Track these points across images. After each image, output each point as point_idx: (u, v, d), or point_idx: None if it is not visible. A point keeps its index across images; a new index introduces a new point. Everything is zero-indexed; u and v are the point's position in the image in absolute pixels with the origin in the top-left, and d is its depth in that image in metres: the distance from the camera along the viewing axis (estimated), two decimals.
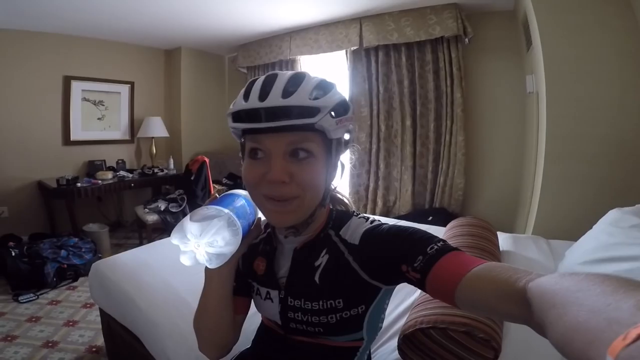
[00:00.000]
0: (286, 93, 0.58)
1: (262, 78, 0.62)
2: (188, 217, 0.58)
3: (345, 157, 0.72)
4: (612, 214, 1.29)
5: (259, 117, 0.58)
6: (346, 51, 3.53)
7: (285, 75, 0.61)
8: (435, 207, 3.28)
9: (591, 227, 1.41)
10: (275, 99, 0.57)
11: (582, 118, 2.03)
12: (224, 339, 0.75)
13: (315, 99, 0.58)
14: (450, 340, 0.85)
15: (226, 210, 0.61)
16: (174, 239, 0.58)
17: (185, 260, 0.60)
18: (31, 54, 3.37)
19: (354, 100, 3.50)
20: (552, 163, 2.12)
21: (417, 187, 3.38)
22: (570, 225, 1.71)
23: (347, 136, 0.67)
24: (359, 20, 3.34)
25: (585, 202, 1.99)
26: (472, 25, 2.95)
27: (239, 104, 0.61)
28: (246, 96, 0.60)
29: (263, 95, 0.58)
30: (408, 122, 3.30)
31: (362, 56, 3.47)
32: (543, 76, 2.09)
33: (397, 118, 3.36)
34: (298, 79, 0.60)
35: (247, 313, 0.80)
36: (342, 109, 0.62)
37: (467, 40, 2.99)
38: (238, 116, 0.61)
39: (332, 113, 0.60)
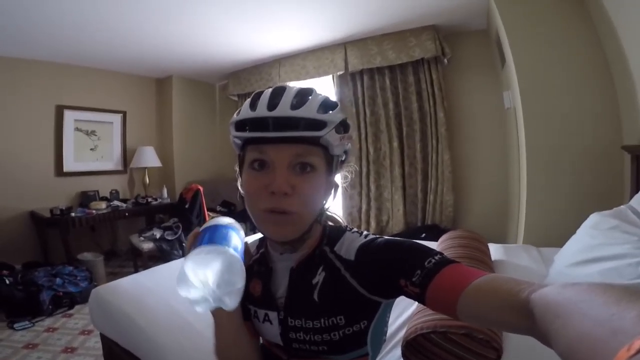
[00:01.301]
0: (295, 105, 0.59)
1: (270, 89, 0.62)
2: (186, 263, 0.54)
3: (341, 176, 0.73)
4: (593, 218, 1.37)
5: (267, 126, 0.58)
6: (333, 76, 3.67)
7: (293, 88, 0.62)
8: (427, 224, 3.35)
9: (574, 234, 1.48)
10: (284, 109, 0.58)
11: (559, 129, 2.15)
12: None
13: (323, 113, 0.60)
14: (452, 343, 0.88)
15: (225, 248, 0.57)
16: (181, 291, 0.54)
17: (202, 308, 0.56)
18: (24, 81, 3.39)
19: None
20: (534, 174, 2.22)
21: (408, 206, 3.45)
22: (557, 232, 1.76)
23: (344, 155, 0.68)
24: (343, 45, 3.49)
25: (570, 210, 2.06)
26: (450, 45, 3.11)
27: (244, 113, 0.61)
28: (253, 106, 0.61)
29: (272, 106, 0.59)
30: (395, 144, 3.41)
31: (349, 80, 3.60)
32: (518, 91, 2.22)
33: (384, 140, 3.46)
34: (306, 93, 0.61)
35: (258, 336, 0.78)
36: (344, 126, 0.63)
37: (446, 60, 3.15)
38: (242, 125, 0.61)
39: (338, 129, 0.61)
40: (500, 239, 2.69)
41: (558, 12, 2.16)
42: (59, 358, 2.09)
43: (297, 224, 0.62)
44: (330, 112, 0.61)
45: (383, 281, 0.60)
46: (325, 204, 0.67)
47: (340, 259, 0.66)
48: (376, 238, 0.66)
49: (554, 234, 1.99)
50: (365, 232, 0.70)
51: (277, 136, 0.58)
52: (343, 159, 0.68)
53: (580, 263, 1.20)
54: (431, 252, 0.57)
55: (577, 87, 2.14)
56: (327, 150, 0.62)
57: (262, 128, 0.59)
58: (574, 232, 1.48)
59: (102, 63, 3.80)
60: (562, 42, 2.16)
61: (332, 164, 0.65)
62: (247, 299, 0.73)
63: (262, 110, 0.59)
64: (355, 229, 0.72)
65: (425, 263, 0.54)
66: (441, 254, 0.57)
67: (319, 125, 0.59)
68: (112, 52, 3.47)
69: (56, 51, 3.31)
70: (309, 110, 0.59)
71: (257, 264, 0.75)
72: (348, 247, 0.67)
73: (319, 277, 0.66)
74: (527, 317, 0.39)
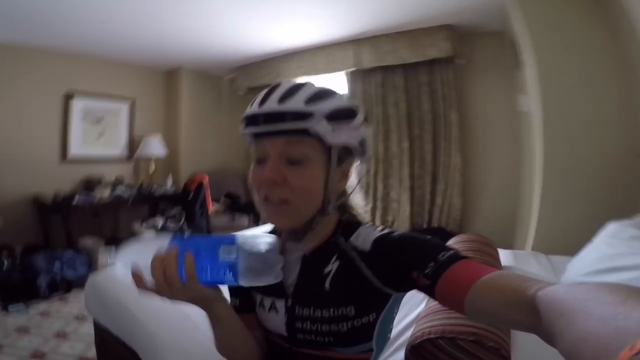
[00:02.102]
0: (282, 99, 0.61)
1: (270, 87, 0.66)
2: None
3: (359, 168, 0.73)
4: (612, 227, 1.32)
5: (258, 121, 0.62)
6: (346, 73, 3.62)
7: (288, 83, 0.64)
8: (433, 226, 3.30)
9: (589, 242, 1.43)
10: (272, 104, 0.61)
11: (577, 135, 2.09)
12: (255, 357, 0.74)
13: (311, 104, 0.61)
14: (460, 349, 0.84)
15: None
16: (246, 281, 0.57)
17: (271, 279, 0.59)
18: (33, 68, 3.40)
19: None
20: (549, 180, 2.16)
21: (415, 208, 3.40)
22: (569, 241, 1.72)
23: (358, 141, 0.67)
24: (355, 42, 3.43)
25: (583, 218, 2.01)
26: (465, 46, 3.05)
27: (247, 110, 0.65)
28: (252, 103, 0.65)
29: (263, 101, 0.62)
30: (405, 144, 3.36)
31: (360, 78, 3.56)
32: (537, 95, 2.15)
33: (394, 140, 3.41)
34: (298, 87, 0.63)
35: (254, 329, 0.77)
36: (341, 115, 0.63)
37: (460, 61, 3.08)
38: (245, 121, 0.65)
39: (328, 118, 0.61)
40: (507, 246, 2.63)
41: (581, 16, 2.10)
42: (50, 343, 2.08)
43: (292, 214, 0.64)
44: (320, 102, 0.62)
45: (397, 272, 0.60)
46: (330, 195, 0.66)
47: (356, 250, 0.66)
48: (393, 231, 0.66)
49: (564, 242, 1.95)
50: (381, 227, 0.69)
51: (266, 130, 0.62)
52: (358, 146, 0.67)
53: (598, 272, 1.15)
54: (446, 247, 0.58)
55: (598, 93, 2.07)
56: (323, 140, 0.63)
57: (255, 123, 0.63)
58: (586, 241, 1.45)
59: (113, 53, 3.80)
60: (584, 47, 2.09)
61: (331, 154, 0.65)
62: (254, 287, 0.73)
63: (255, 107, 0.63)
64: (371, 223, 0.72)
65: (439, 256, 0.55)
66: (455, 249, 0.57)
67: (305, 116, 0.60)
68: (123, 43, 3.46)
69: (67, 39, 3.30)
70: (295, 103, 0.61)
71: None
72: (364, 238, 0.67)
73: (332, 266, 0.67)
74: (533, 315, 0.39)
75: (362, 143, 0.68)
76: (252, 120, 0.63)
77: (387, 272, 0.62)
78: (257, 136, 0.64)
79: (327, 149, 0.64)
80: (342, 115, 0.63)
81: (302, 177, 0.62)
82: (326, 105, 0.62)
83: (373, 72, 3.47)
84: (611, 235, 1.27)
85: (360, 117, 0.66)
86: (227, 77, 4.82)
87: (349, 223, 0.72)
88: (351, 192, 0.73)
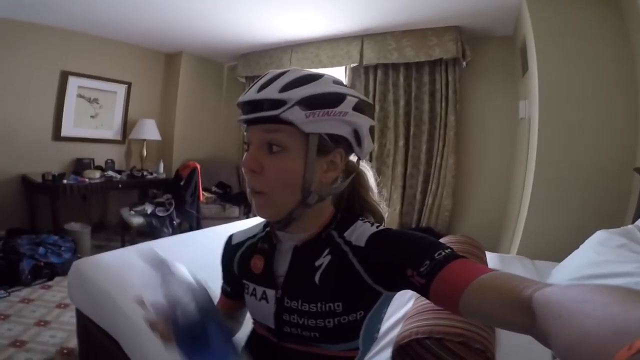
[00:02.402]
0: (261, 87, 0.61)
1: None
2: None
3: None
4: (600, 235, 1.33)
5: (243, 109, 0.64)
6: (345, 67, 3.60)
7: (275, 71, 0.63)
8: (421, 226, 3.32)
9: (576, 249, 1.44)
10: (252, 93, 0.62)
11: (572, 143, 2.11)
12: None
13: (284, 92, 0.59)
14: (446, 351, 0.84)
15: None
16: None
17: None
18: (30, 45, 3.32)
19: None
20: (540, 187, 2.17)
21: (405, 207, 3.41)
22: (554, 247, 1.75)
23: (346, 134, 0.63)
24: (360, 37, 3.42)
25: (570, 226, 2.03)
26: (471, 48, 3.04)
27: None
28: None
29: (248, 90, 0.63)
30: (401, 143, 3.36)
31: (361, 74, 3.54)
32: (536, 101, 2.16)
33: (390, 138, 3.41)
34: (281, 74, 0.62)
35: (234, 311, 0.85)
36: (320, 101, 0.60)
37: (464, 63, 3.08)
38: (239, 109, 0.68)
39: (302, 105, 0.59)
40: (492, 248, 2.66)
41: (592, 23, 2.10)
42: (31, 331, 2.03)
43: (272, 205, 0.64)
44: (296, 89, 0.60)
45: (391, 269, 0.59)
46: (309, 185, 0.63)
47: (350, 245, 0.65)
48: (389, 228, 0.65)
49: (549, 248, 1.98)
50: (377, 224, 0.69)
51: (246, 118, 0.63)
52: (354, 140, 0.65)
53: (585, 278, 1.16)
54: (442, 245, 0.56)
55: (600, 103, 2.08)
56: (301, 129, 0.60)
57: (242, 111, 0.65)
58: (571, 248, 1.46)
59: (113, 33, 3.72)
60: (591, 54, 2.09)
61: (309, 143, 0.61)
62: (247, 275, 0.75)
63: (241, 97, 0.64)
64: (367, 220, 0.71)
65: (435, 255, 0.54)
66: (451, 248, 0.56)
67: (277, 104, 0.60)
68: (124, 23, 3.40)
69: (66, 17, 3.23)
70: (270, 91, 0.60)
71: (261, 241, 0.76)
72: (359, 234, 0.66)
73: (324, 260, 0.66)
74: (529, 316, 0.38)
75: (356, 133, 0.64)
76: (240, 107, 0.65)
77: (380, 269, 0.61)
78: (246, 123, 0.65)
79: (306, 137, 0.61)
80: (321, 102, 0.60)
81: (278, 167, 0.61)
82: (301, 92, 0.59)
83: (374, 68, 3.45)
84: (599, 242, 1.28)
85: (348, 105, 0.62)
86: (228, 65, 4.77)
87: (345, 218, 0.71)
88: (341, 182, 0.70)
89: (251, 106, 0.62)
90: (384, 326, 1.25)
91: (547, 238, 2.15)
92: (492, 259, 1.85)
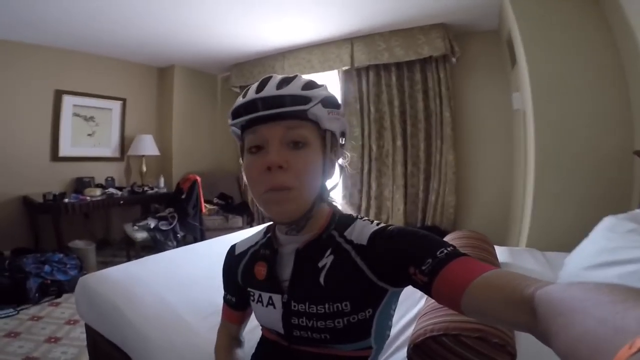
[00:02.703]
0: (280, 85, 0.63)
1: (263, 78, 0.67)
2: None
3: (343, 159, 0.74)
4: (608, 221, 1.32)
5: (257, 107, 0.62)
6: (338, 71, 3.60)
7: (279, 76, 0.66)
8: (427, 225, 3.30)
9: (585, 237, 1.43)
10: (270, 90, 0.63)
11: (569, 133, 2.10)
12: None
13: (306, 90, 0.63)
14: (464, 346, 0.82)
15: None
16: None
17: None
18: (23, 65, 3.33)
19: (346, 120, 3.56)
20: (542, 178, 2.17)
21: (409, 206, 3.40)
22: (563, 237, 1.73)
23: (340, 132, 0.70)
24: (350, 40, 3.43)
25: (577, 215, 2.03)
26: (459, 44, 3.06)
27: (237, 101, 0.66)
28: (244, 95, 0.66)
29: (259, 89, 0.63)
30: (399, 142, 3.35)
31: (354, 76, 3.55)
32: (529, 93, 2.16)
33: (388, 138, 3.41)
34: (292, 77, 0.66)
35: (242, 323, 0.85)
36: (332, 103, 0.66)
37: (454, 59, 3.09)
38: (236, 113, 0.66)
39: (323, 103, 0.64)
40: (501, 242, 2.65)
41: (573, 14, 2.11)
42: (42, 348, 2.03)
43: (297, 201, 0.63)
44: (314, 89, 0.64)
45: (393, 267, 0.59)
46: (325, 182, 0.68)
47: (351, 244, 0.66)
48: (390, 225, 0.66)
49: (558, 238, 1.97)
50: (376, 221, 0.69)
51: (266, 114, 0.62)
52: (342, 141, 0.71)
53: (597, 266, 1.15)
54: (444, 243, 0.56)
55: (591, 90, 2.08)
56: (319, 125, 0.65)
57: (252, 110, 0.63)
58: (579, 237, 1.45)
59: (105, 50, 3.74)
60: (576, 44, 2.10)
61: (324, 139, 0.66)
62: (251, 283, 0.75)
63: (251, 95, 0.63)
64: (366, 218, 0.71)
65: (437, 253, 0.54)
66: (454, 246, 0.56)
67: (304, 100, 0.62)
68: (115, 39, 3.41)
69: (58, 36, 3.25)
70: (293, 88, 0.63)
71: (263, 247, 0.76)
72: (360, 232, 0.67)
73: (327, 260, 0.66)
74: (530, 314, 0.38)
75: (344, 133, 0.71)
76: (248, 107, 0.63)
77: (383, 266, 0.61)
78: (252, 124, 0.64)
79: (322, 134, 0.66)
80: (333, 103, 0.66)
81: (304, 161, 0.62)
82: (319, 92, 0.64)
83: (366, 70, 3.46)
84: (608, 229, 1.27)
85: (342, 108, 0.70)
86: (222, 75, 4.77)
87: (343, 217, 0.72)
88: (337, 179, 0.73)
89: (270, 103, 0.62)
90: (398, 326, 1.24)
91: (555, 228, 2.14)
92: (502, 253, 1.83)
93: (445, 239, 1.73)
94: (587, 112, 2.09)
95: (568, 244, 1.55)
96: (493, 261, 1.38)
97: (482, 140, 3.23)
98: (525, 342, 1.00)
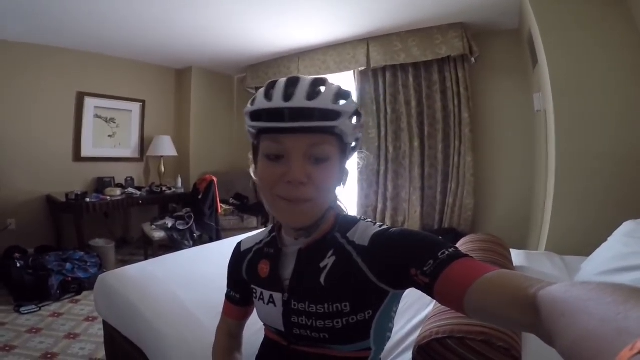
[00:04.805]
0: (310, 95, 0.59)
1: (284, 80, 0.62)
2: None
3: (353, 164, 0.74)
4: (627, 225, 1.28)
5: (283, 117, 0.59)
6: (354, 72, 3.59)
7: (307, 78, 0.62)
8: (444, 227, 3.25)
9: (604, 241, 1.39)
10: (300, 100, 0.58)
11: (591, 134, 2.03)
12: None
13: (337, 103, 0.60)
14: (468, 350, 0.82)
15: None
16: None
17: None
18: (47, 68, 3.45)
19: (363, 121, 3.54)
20: (563, 180, 2.10)
21: (426, 208, 3.35)
22: (583, 241, 1.69)
23: (354, 143, 0.69)
24: (366, 41, 3.42)
25: (598, 218, 1.96)
26: (478, 44, 3.00)
27: (260, 103, 0.61)
28: (267, 96, 0.61)
29: (287, 96, 0.59)
30: (416, 143, 3.32)
31: (370, 77, 3.53)
32: (550, 94, 2.10)
33: (405, 139, 3.38)
34: (320, 83, 0.62)
35: (243, 319, 0.86)
36: (357, 115, 0.65)
37: (473, 59, 3.03)
38: (257, 115, 0.62)
39: (352, 118, 0.62)
40: (521, 246, 2.58)
41: (597, 13, 2.04)
42: (61, 343, 2.09)
43: (312, 211, 0.64)
44: (344, 101, 0.62)
45: (394, 268, 0.59)
46: (336, 190, 0.68)
47: (353, 245, 0.66)
48: (391, 227, 0.65)
49: (578, 242, 1.91)
50: (379, 223, 0.69)
51: (294, 126, 0.59)
52: (354, 146, 0.69)
53: (612, 271, 1.11)
54: (445, 244, 0.56)
55: (613, 91, 2.01)
56: (342, 138, 0.63)
57: (278, 118, 0.59)
58: (600, 241, 1.41)
59: (124, 52, 3.84)
60: (599, 43, 2.03)
61: (345, 152, 0.66)
62: (255, 280, 0.76)
63: (277, 101, 0.59)
64: (369, 219, 0.71)
65: (439, 254, 0.53)
66: (455, 247, 0.55)
67: (334, 115, 0.60)
68: (135, 42, 3.50)
69: (80, 39, 3.35)
70: (324, 101, 0.59)
71: (267, 245, 0.77)
72: (362, 234, 0.66)
73: (328, 261, 0.67)
74: (533, 314, 0.38)
75: (358, 140, 0.69)
76: (272, 115, 0.60)
77: (384, 268, 0.61)
78: (272, 131, 0.61)
79: (344, 146, 0.65)
80: (358, 116, 0.65)
81: (325, 176, 0.62)
82: (350, 105, 0.62)
83: (383, 70, 3.43)
84: (627, 234, 1.23)
85: (362, 118, 0.68)
86: (238, 76, 4.83)
87: (346, 219, 0.72)
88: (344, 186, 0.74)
89: (298, 114, 0.58)
90: (406, 328, 1.22)
91: (575, 232, 2.07)
92: (518, 256, 1.80)
93: (460, 242, 1.71)
94: (610, 112, 2.01)
95: (588, 248, 1.51)
96: (505, 264, 1.35)
97: (502, 142, 3.15)
98: (531, 346, 0.98)
